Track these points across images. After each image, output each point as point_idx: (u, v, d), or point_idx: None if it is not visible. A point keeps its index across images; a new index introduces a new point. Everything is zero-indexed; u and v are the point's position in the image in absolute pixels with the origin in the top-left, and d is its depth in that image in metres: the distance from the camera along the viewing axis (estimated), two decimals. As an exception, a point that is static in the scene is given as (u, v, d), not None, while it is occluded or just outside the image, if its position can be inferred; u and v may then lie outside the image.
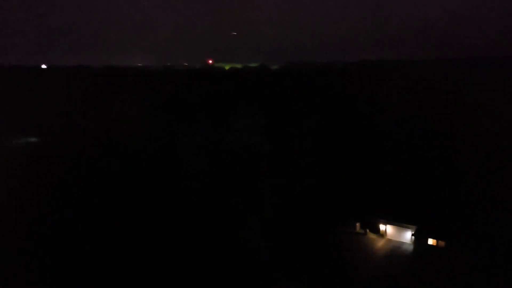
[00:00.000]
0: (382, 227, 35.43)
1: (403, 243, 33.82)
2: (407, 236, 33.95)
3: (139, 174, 51.97)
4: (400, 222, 34.99)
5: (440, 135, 65.33)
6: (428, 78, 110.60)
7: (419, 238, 33.41)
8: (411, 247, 33.03)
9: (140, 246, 33.27)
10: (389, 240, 34.97)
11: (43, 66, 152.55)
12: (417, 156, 55.70)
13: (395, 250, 33.47)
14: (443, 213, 37.32)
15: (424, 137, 64.65)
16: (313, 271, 30.23)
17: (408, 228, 34.19)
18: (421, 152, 57.77)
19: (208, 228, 37.06)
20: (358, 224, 37.25)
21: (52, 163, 55.30)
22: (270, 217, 39.21)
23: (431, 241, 32.78)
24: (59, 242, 34.02)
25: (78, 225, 37.37)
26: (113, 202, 42.36)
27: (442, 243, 32.33)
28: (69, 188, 47.44)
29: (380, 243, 34.26)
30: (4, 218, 38.52)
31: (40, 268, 29.68)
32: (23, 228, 36.67)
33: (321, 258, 31.90)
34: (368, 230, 36.89)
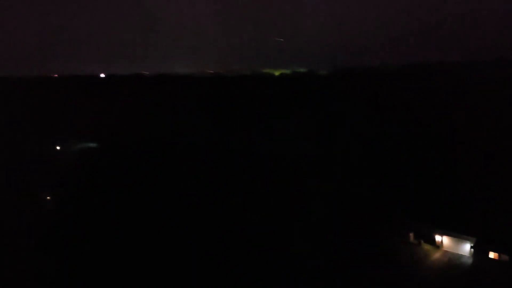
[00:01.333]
0: (438, 238, 33.63)
1: (460, 255, 31.92)
2: (465, 248, 31.97)
3: (196, 178, 53.16)
4: (457, 233, 32.89)
5: (507, 138, 61.22)
6: (495, 79, 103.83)
7: (478, 251, 31.28)
8: (469, 261, 31.07)
9: (198, 252, 33.95)
10: (445, 252, 32.82)
11: (102, 75, 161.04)
12: (477, 162, 52.54)
13: (452, 263, 31.74)
14: (507, 224, 35.16)
15: (490, 141, 60.74)
16: (364, 283, 29.38)
17: (467, 239, 32.22)
18: (482, 158, 54.46)
19: (258, 234, 37.14)
20: (412, 234, 37.03)
21: (113, 167, 57.98)
22: (321, 224, 38.65)
23: (492, 255, 30.54)
24: (122, 244, 35.36)
25: (137, 227, 38.72)
26: (172, 206, 43.52)
27: (505, 257, 29.91)
28: (126, 192, 49.36)
29: (436, 255, 32.55)
30: (66, 219, 40.67)
31: (99, 268, 31.01)
32: (84, 229, 38.45)
33: (372, 269, 30.62)
34: (422, 241, 36.14)
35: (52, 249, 33.59)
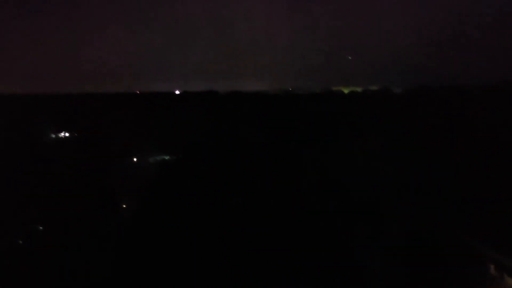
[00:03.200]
0: (524, 272, 31.91)
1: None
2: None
3: (266, 193, 53.55)
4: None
5: None
6: None
7: None
8: None
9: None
10: (534, 289, 31.35)
11: (177, 92, 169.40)
12: None
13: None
14: None
15: None
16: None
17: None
18: None
19: (328, 260, 36.18)
20: (493, 266, 33.51)
21: (186, 180, 60.32)
22: (391, 254, 36.74)
23: None
24: (194, 253, 36.39)
25: (209, 236, 39.63)
26: (245, 222, 44.14)
27: None
28: (199, 204, 50.84)
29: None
30: (141, 227, 42.68)
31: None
32: (157, 237, 40.08)
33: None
34: (505, 274, 32.64)
35: (126, 254, 35.35)
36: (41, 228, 26.17)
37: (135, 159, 55.32)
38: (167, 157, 60.18)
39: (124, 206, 39.95)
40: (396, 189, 46.22)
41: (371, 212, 39.56)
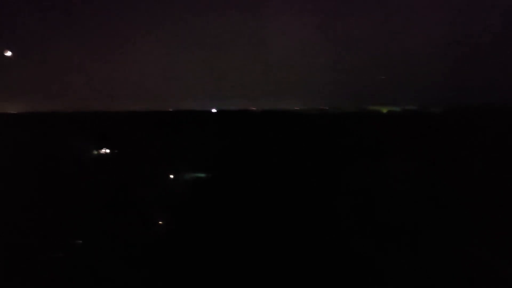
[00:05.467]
0: None
1: None
2: None
3: (302, 212, 52.90)
4: None
5: None
6: None
7: None
8: None
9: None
10: None
11: (213, 110, 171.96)
12: None
13: None
14: None
15: None
16: None
17: None
18: None
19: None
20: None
21: (221, 198, 60.56)
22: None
23: None
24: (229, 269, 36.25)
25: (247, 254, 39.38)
26: (281, 242, 43.70)
27: None
28: (233, 222, 50.78)
29: None
30: (176, 243, 42.97)
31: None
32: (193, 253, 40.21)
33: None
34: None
35: (162, 272, 35.57)
36: (80, 241, 26.97)
37: (171, 176, 56.39)
38: (203, 175, 60.95)
39: (160, 222, 40.65)
40: (435, 211, 44.42)
41: (410, 236, 38.11)
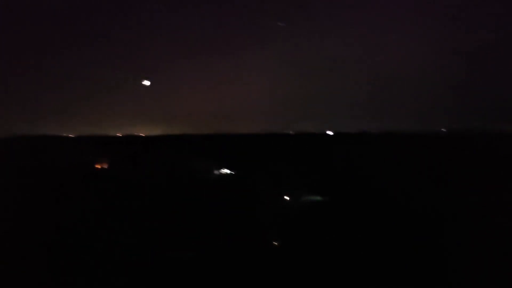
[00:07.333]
0: None
1: None
2: None
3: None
4: None
5: None
6: None
7: None
8: None
9: None
10: None
11: (329, 133, 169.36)
12: None
13: None
14: None
15: None
16: None
17: None
18: None
19: None
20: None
21: (338, 221, 58.83)
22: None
23: None
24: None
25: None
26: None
27: None
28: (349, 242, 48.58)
29: None
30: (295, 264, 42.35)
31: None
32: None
33: None
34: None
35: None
36: (190, 254, 28.58)
37: (287, 198, 56.62)
38: (319, 198, 60.17)
39: (275, 243, 40.72)
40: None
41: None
